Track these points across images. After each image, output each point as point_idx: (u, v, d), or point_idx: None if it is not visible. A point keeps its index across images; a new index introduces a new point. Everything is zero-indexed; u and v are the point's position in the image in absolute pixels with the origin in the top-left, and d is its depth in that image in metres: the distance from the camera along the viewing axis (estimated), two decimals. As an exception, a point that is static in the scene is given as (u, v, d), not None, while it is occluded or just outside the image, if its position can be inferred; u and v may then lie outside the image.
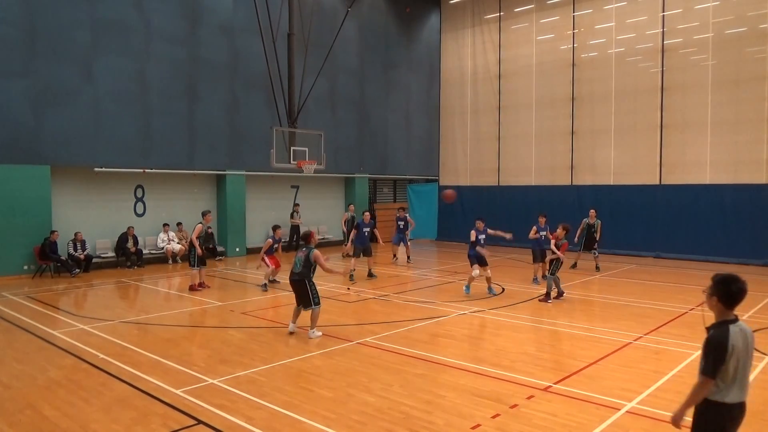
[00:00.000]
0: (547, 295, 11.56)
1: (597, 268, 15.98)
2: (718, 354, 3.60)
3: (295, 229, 20.84)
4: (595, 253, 16.07)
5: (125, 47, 16.58)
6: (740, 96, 17.92)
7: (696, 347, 8.25)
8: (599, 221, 16.30)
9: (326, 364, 7.55)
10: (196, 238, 12.88)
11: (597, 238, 16.15)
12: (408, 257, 18.02)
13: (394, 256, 18.28)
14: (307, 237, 9.23)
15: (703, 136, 18.68)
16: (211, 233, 18.03)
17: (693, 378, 6.79)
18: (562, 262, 11.76)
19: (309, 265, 8.85)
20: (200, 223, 13.16)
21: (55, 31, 15.25)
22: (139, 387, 6.64)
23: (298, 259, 8.94)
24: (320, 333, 8.95)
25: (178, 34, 17.82)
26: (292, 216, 21.16)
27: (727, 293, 3.71)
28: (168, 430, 5.48)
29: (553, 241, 11.94)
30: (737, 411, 3.68)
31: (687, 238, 18.86)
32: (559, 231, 11.95)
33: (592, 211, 16.47)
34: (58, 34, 15.30)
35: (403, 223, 17.76)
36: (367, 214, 15.72)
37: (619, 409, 5.91)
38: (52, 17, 15.17)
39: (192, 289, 12.93)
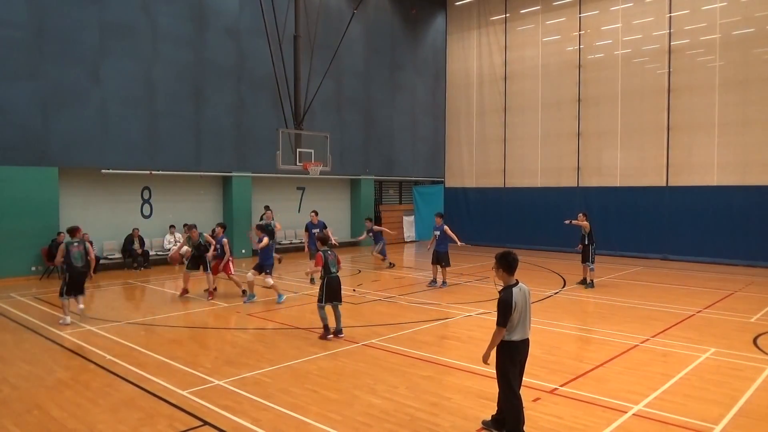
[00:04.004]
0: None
1: (588, 283, 13.65)
2: (506, 310, 4.94)
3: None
4: (590, 265, 13.53)
5: (132, 50, 16.67)
6: (748, 97, 17.84)
7: (704, 350, 8.22)
8: (586, 223, 13.55)
9: (332, 365, 7.55)
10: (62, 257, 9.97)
11: (589, 244, 13.47)
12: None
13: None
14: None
15: (711, 137, 18.60)
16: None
17: (701, 381, 6.83)
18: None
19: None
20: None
21: (63, 33, 15.34)
22: (145, 388, 6.66)
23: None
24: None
25: (185, 37, 17.89)
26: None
27: (506, 263, 5.05)
28: (174, 431, 5.49)
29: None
30: (522, 345, 5.14)
31: (694, 240, 18.78)
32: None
33: (580, 215, 13.89)
34: (66, 37, 15.39)
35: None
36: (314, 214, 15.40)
37: (626, 412, 5.88)
38: (59, 20, 15.26)
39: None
